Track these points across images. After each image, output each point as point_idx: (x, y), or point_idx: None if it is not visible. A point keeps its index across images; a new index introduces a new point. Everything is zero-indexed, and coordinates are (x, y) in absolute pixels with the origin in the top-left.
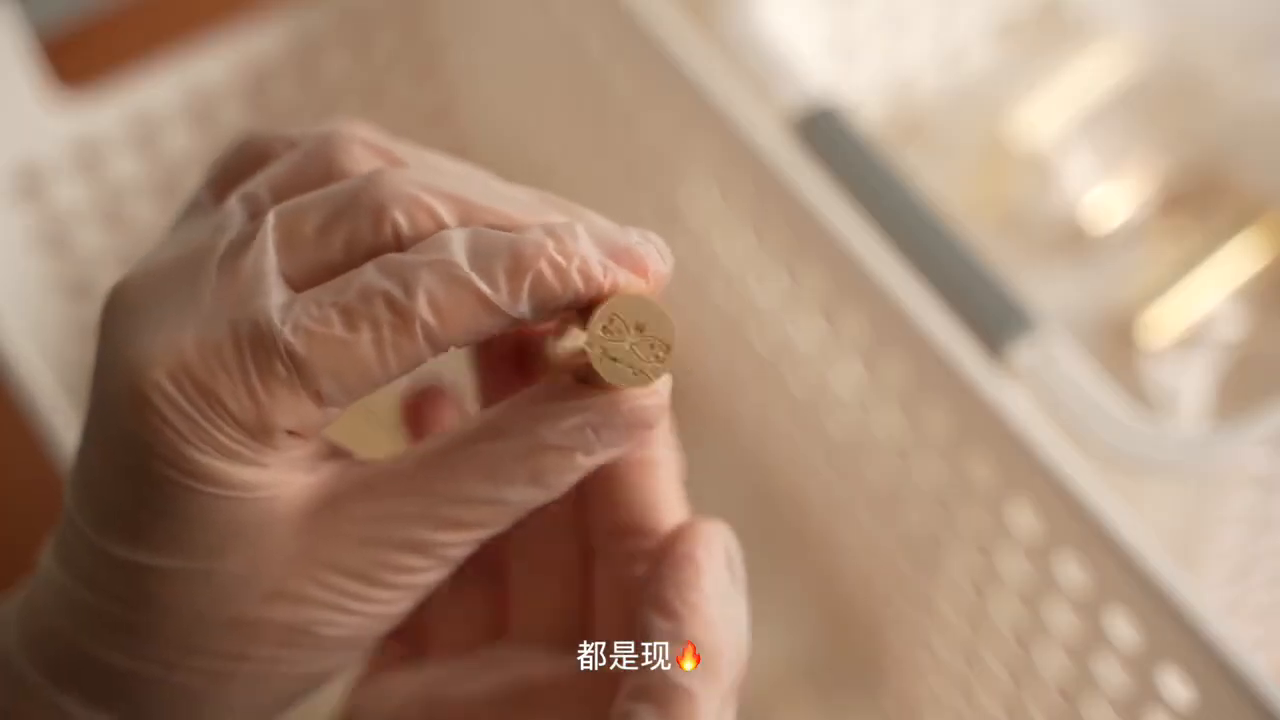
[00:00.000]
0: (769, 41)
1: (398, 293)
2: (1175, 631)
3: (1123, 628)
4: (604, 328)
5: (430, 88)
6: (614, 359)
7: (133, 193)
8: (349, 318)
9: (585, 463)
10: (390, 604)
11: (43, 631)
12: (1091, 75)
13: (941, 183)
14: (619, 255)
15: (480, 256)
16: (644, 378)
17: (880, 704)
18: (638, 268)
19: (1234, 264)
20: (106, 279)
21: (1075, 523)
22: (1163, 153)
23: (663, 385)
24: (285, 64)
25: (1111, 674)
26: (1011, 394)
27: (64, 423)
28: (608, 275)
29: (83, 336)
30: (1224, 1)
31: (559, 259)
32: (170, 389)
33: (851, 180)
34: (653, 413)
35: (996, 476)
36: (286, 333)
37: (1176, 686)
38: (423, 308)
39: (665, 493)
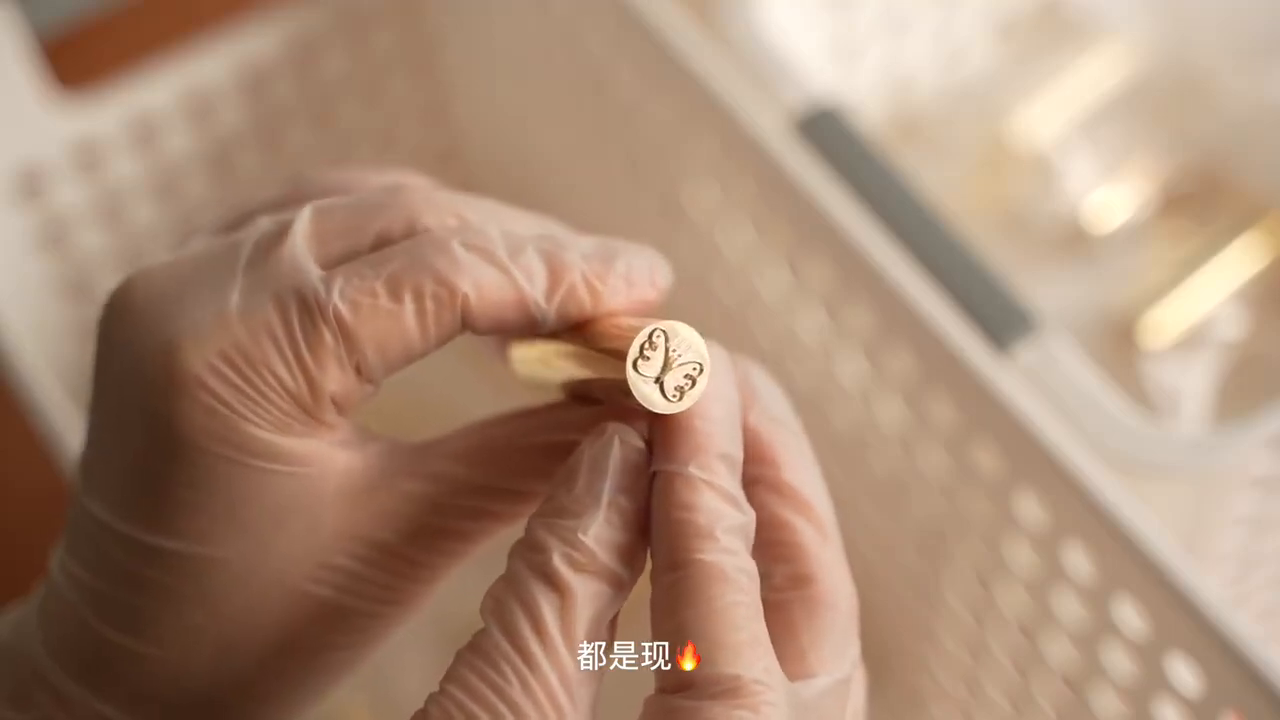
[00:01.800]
0: (770, 42)
1: (444, 266)
2: (1183, 619)
3: (1130, 616)
4: (642, 348)
5: (428, 86)
6: (648, 377)
7: (132, 193)
8: (394, 287)
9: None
10: (424, 584)
11: (73, 638)
12: (1092, 76)
13: (942, 184)
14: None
15: (519, 256)
16: (676, 398)
17: (885, 696)
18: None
19: (1234, 265)
20: (106, 279)
21: (1081, 512)
22: (1163, 154)
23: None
24: (283, 64)
25: (1119, 663)
26: (1016, 385)
27: (66, 421)
28: (631, 297)
29: (83, 337)
30: (1224, 3)
31: (593, 279)
32: (220, 365)
33: (852, 181)
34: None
35: (1002, 467)
36: (335, 298)
37: (1184, 674)
38: (468, 284)
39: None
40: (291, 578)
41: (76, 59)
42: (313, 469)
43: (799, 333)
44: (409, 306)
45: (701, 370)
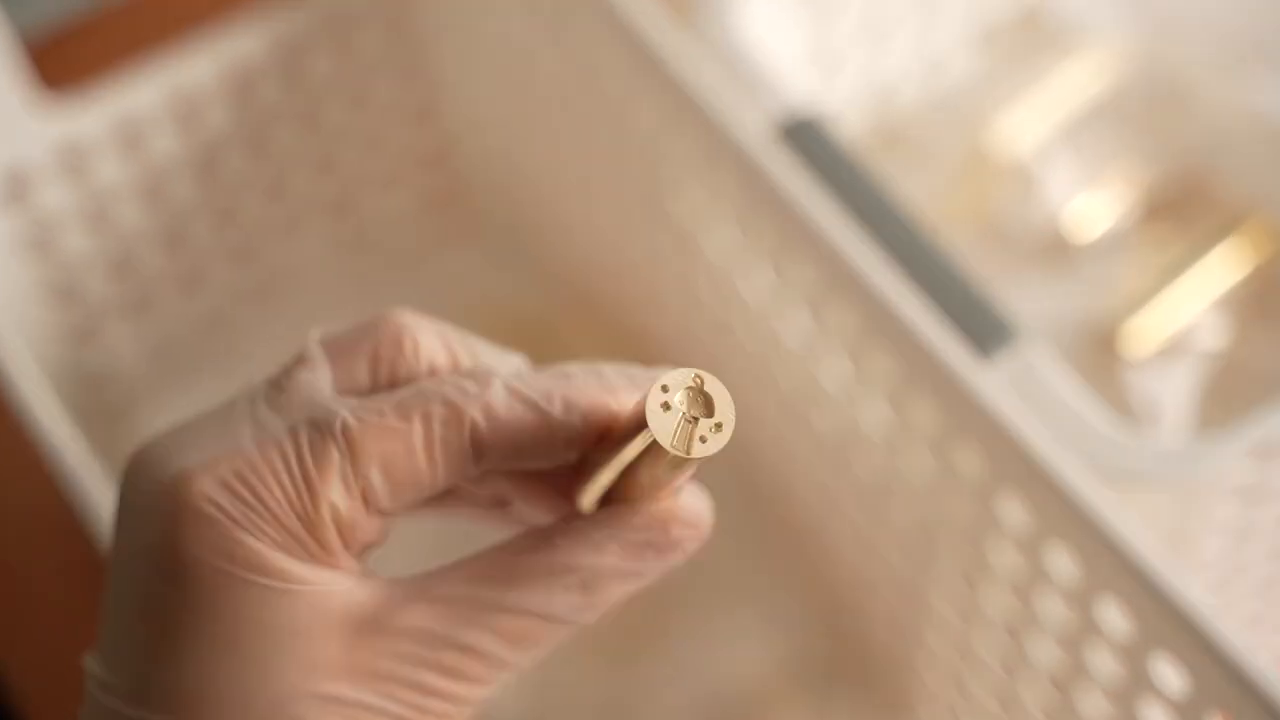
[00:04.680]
0: (750, 52)
1: (453, 394)
2: (1167, 619)
3: (1114, 617)
4: (665, 399)
5: (415, 88)
6: (670, 422)
7: (118, 196)
8: (403, 410)
9: (633, 582)
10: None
11: None
12: (1072, 84)
13: (923, 193)
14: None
15: (528, 378)
16: (689, 447)
17: (872, 698)
18: None
19: (1216, 273)
20: (93, 282)
21: (1064, 514)
22: (1144, 162)
23: (705, 509)
24: (270, 65)
25: (1104, 663)
26: (998, 387)
27: (56, 425)
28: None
29: (69, 339)
30: (1205, 10)
31: (599, 377)
32: (230, 479)
33: (832, 191)
34: (693, 536)
35: (985, 469)
36: (344, 414)
37: (1169, 674)
38: (474, 409)
39: None
40: (293, 707)
41: (62, 61)
42: (312, 589)
43: (783, 335)
44: (416, 426)
45: (720, 428)
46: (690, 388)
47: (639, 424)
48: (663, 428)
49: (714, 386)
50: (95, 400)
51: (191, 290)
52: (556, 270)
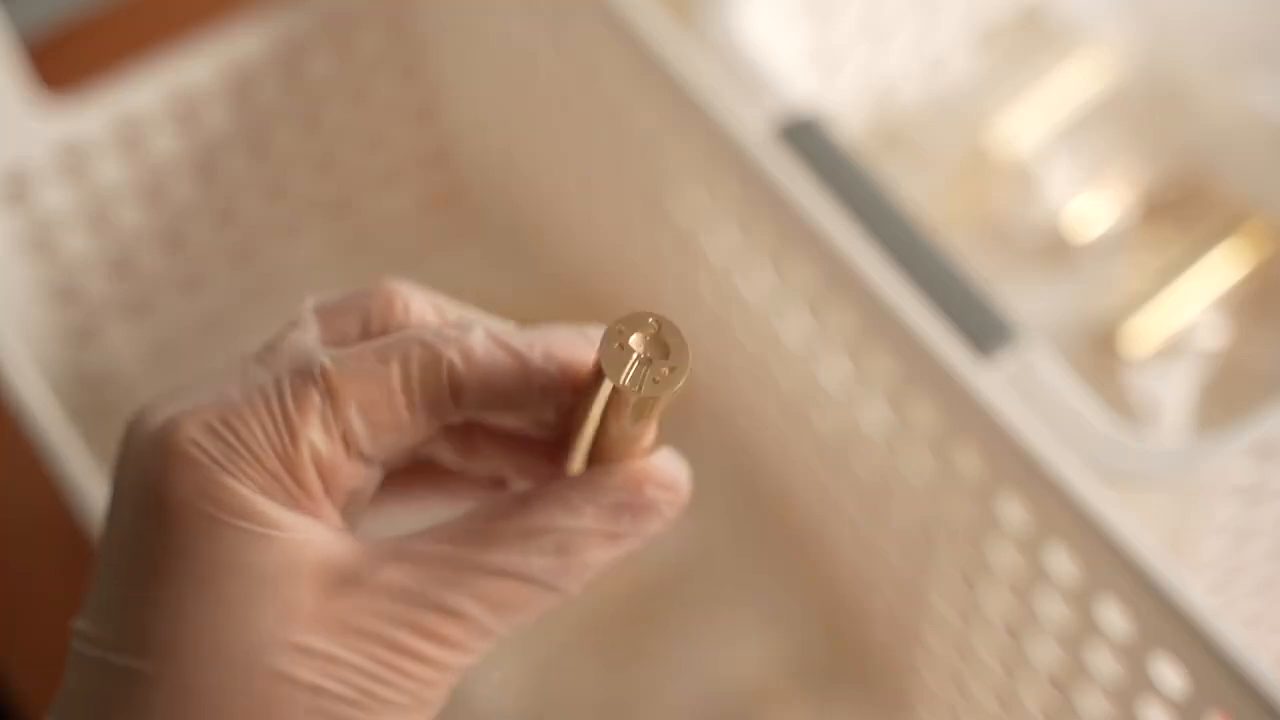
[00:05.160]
0: (750, 52)
1: (432, 338)
2: (1166, 619)
3: (1114, 617)
4: (621, 340)
5: (414, 88)
6: (624, 362)
7: (118, 196)
8: (382, 354)
9: (612, 546)
10: (424, 685)
11: None
12: (1072, 84)
13: (923, 193)
14: None
15: (513, 332)
16: (640, 385)
17: (872, 698)
18: None
19: (1215, 273)
20: (93, 283)
21: (1064, 514)
22: (1144, 162)
23: (679, 471)
24: (269, 65)
25: (1104, 663)
26: (997, 387)
27: (54, 425)
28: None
29: (69, 340)
30: (1205, 11)
31: (586, 329)
32: (215, 424)
33: (832, 192)
34: (669, 499)
35: (985, 469)
36: (324, 359)
37: (1169, 674)
38: (452, 350)
39: None
40: (269, 656)
41: (62, 61)
42: (289, 535)
43: (783, 334)
44: (394, 368)
45: (674, 370)
46: (647, 330)
47: (600, 370)
48: (614, 365)
49: (670, 332)
50: (95, 400)
51: (191, 290)
52: (556, 270)
